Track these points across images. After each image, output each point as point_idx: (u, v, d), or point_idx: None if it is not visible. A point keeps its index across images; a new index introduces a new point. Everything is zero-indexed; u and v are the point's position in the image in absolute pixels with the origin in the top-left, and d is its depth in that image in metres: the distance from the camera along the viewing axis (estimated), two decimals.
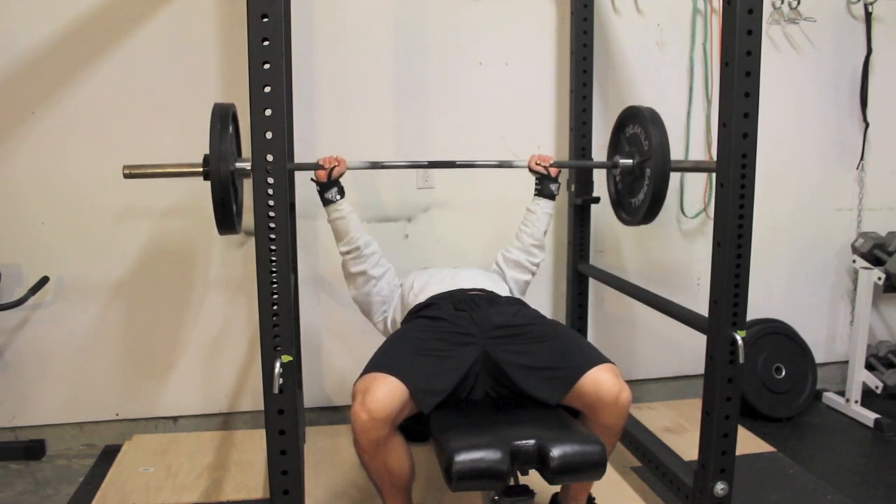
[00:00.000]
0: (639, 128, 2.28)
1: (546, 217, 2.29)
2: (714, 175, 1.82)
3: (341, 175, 2.09)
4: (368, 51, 2.63)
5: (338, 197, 2.08)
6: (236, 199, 1.90)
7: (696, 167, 2.54)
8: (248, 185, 1.88)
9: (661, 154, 2.15)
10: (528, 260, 2.27)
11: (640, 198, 2.27)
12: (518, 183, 2.80)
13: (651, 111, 2.25)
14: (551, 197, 2.30)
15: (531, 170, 2.31)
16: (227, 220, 1.80)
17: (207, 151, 1.76)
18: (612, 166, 2.40)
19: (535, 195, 2.31)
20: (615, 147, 2.44)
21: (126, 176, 1.88)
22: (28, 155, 2.46)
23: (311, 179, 2.11)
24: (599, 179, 2.71)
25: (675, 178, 2.90)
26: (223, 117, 1.79)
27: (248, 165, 1.76)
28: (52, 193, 2.50)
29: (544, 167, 2.28)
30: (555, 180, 2.29)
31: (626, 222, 2.43)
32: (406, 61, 2.67)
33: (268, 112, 1.52)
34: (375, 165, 2.27)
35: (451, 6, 2.67)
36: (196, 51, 2.50)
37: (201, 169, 1.82)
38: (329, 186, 2.08)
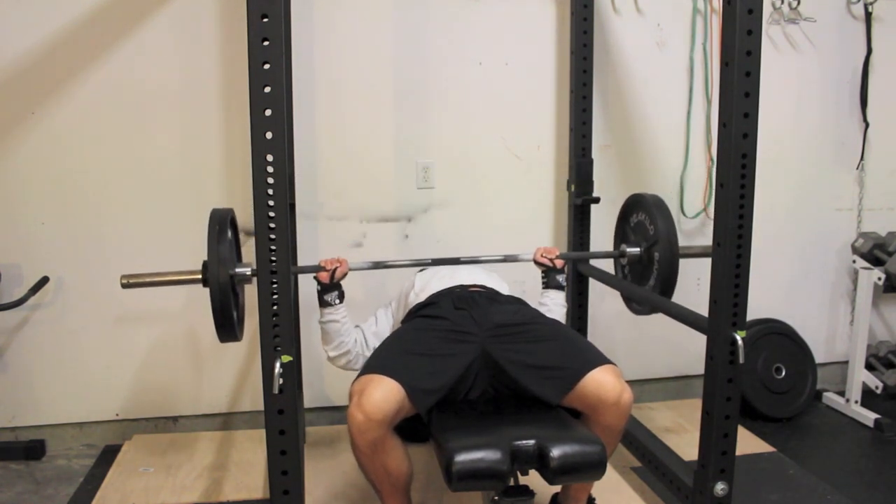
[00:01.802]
0: (643, 215, 2.28)
1: (560, 309, 2.22)
2: (714, 175, 1.82)
3: (343, 276, 2.04)
4: (368, 51, 2.63)
5: (337, 301, 2.03)
6: (237, 305, 1.87)
7: (704, 253, 2.51)
8: (249, 290, 1.88)
9: (667, 237, 2.15)
10: None
11: (651, 284, 2.25)
12: (518, 181, 2.82)
13: (654, 197, 2.26)
14: (560, 288, 2.24)
15: (536, 262, 2.26)
16: (228, 327, 1.77)
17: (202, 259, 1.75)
18: (619, 255, 2.38)
19: (544, 288, 2.26)
20: (621, 237, 2.43)
21: (124, 286, 1.87)
22: (28, 155, 2.46)
23: (314, 277, 2.06)
24: (599, 180, 2.71)
25: (675, 177, 2.92)
26: (221, 222, 1.79)
27: (247, 270, 1.79)
28: (52, 193, 2.50)
29: (550, 259, 2.24)
30: (561, 271, 2.25)
31: (637, 312, 2.39)
32: (406, 61, 2.67)
33: (268, 112, 1.52)
34: (378, 265, 2.22)
35: (451, 6, 2.66)
36: (197, 48, 2.50)
37: (200, 275, 1.81)
38: (331, 289, 2.03)
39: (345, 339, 2.07)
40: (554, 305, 2.21)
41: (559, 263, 2.24)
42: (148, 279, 1.89)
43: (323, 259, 2.07)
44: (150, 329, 2.64)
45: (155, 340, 2.66)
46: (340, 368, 2.14)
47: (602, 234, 2.90)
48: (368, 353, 2.09)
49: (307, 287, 2.26)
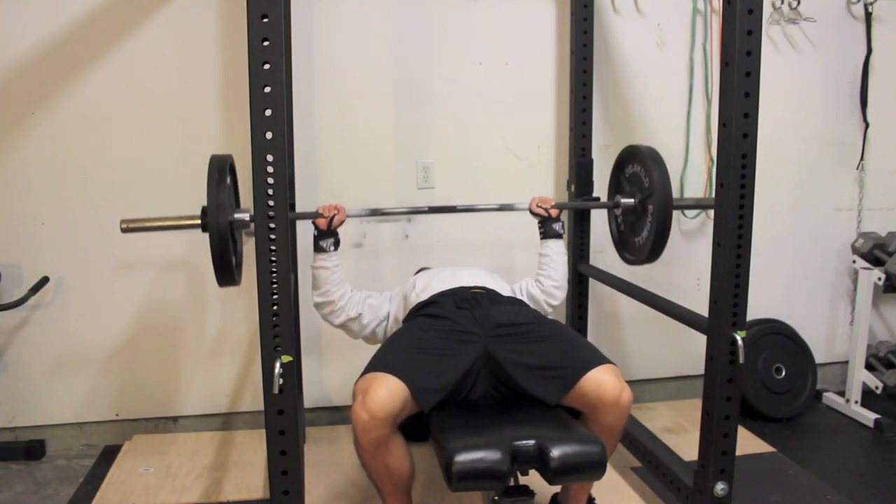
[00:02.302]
0: (638, 166, 2.28)
1: (561, 257, 2.24)
2: (714, 175, 1.82)
3: (341, 224, 2.09)
4: (368, 51, 2.63)
5: (332, 248, 2.07)
6: (235, 251, 1.88)
7: (697, 205, 2.52)
8: (245, 237, 1.88)
9: (662, 190, 2.15)
10: (546, 301, 2.23)
11: (644, 236, 2.26)
12: (519, 183, 2.82)
13: (650, 149, 2.25)
14: (558, 237, 2.26)
15: (532, 212, 2.29)
16: (226, 272, 1.78)
17: (203, 203, 1.75)
18: (613, 206, 2.40)
19: (542, 238, 2.28)
20: (616, 188, 2.44)
21: (123, 230, 1.88)
22: (28, 155, 2.46)
23: (312, 223, 2.09)
24: (599, 180, 2.71)
25: (675, 178, 2.91)
26: (220, 168, 1.79)
27: (246, 216, 1.79)
28: (52, 193, 2.50)
29: (545, 209, 2.26)
30: (557, 220, 2.27)
31: (629, 262, 2.41)
32: (406, 61, 2.67)
33: (268, 112, 1.52)
34: (375, 213, 2.27)
35: (451, 6, 2.67)
36: (198, 48, 2.50)
37: (199, 221, 1.81)
38: (327, 235, 2.07)
39: (331, 289, 2.09)
40: (555, 254, 2.23)
41: (554, 212, 2.27)
42: (147, 224, 1.90)
43: (321, 205, 2.10)
44: (151, 329, 2.64)
45: (155, 340, 2.66)
46: (322, 317, 2.17)
47: (602, 234, 2.91)
48: (353, 314, 2.13)
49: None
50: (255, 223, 1.56)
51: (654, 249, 2.21)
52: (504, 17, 2.71)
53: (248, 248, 1.71)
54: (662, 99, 2.88)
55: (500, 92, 2.75)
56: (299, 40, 2.48)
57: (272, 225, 1.56)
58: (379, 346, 2.24)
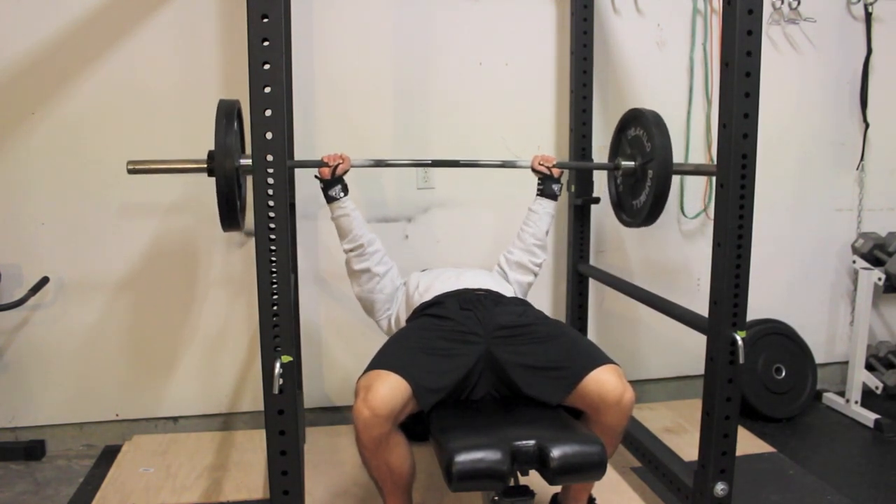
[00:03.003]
0: (641, 130, 2.28)
1: (548, 217, 2.30)
2: (714, 176, 1.82)
3: (345, 172, 2.11)
4: (368, 51, 2.63)
5: (342, 194, 2.09)
6: (240, 196, 1.91)
7: (697, 170, 2.54)
8: (251, 183, 1.88)
9: (663, 156, 2.16)
10: (531, 260, 2.27)
11: (642, 199, 2.27)
12: (519, 183, 2.81)
13: (654, 113, 2.25)
14: (553, 197, 2.31)
15: (534, 170, 2.32)
16: (231, 215, 1.80)
17: (210, 148, 1.75)
18: (613, 168, 2.41)
19: (538, 195, 2.32)
20: (616, 149, 2.44)
21: (130, 171, 1.88)
22: (28, 155, 2.46)
23: (315, 176, 2.11)
24: (599, 180, 2.71)
25: (675, 178, 2.91)
26: (228, 113, 1.79)
27: (251, 161, 1.77)
28: (52, 193, 2.50)
29: (547, 167, 2.29)
30: (557, 181, 2.31)
31: (627, 224, 2.44)
32: (406, 61, 2.67)
33: (268, 112, 1.52)
34: (379, 163, 2.29)
35: (451, 6, 2.67)
36: (198, 48, 2.50)
37: (206, 165, 1.82)
38: (333, 184, 2.09)
39: (358, 233, 2.11)
40: (544, 213, 2.29)
41: (556, 172, 2.30)
42: (153, 166, 1.90)
43: (325, 154, 2.11)
44: (151, 328, 2.64)
45: (155, 340, 2.66)
46: (346, 261, 2.16)
47: (602, 234, 2.91)
48: (377, 271, 2.15)
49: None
50: (256, 225, 1.56)
51: (651, 213, 2.23)
52: (504, 16, 2.71)
53: (251, 196, 1.72)
54: (662, 99, 2.87)
55: (500, 92, 2.75)
56: (299, 40, 2.48)
57: (272, 214, 1.56)
58: (376, 331, 2.26)
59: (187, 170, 1.87)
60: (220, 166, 1.73)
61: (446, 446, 1.54)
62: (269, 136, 1.52)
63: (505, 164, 2.39)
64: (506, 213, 2.80)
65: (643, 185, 2.26)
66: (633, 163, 2.32)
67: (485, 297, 1.98)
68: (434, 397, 1.69)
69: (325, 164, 2.08)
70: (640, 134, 2.29)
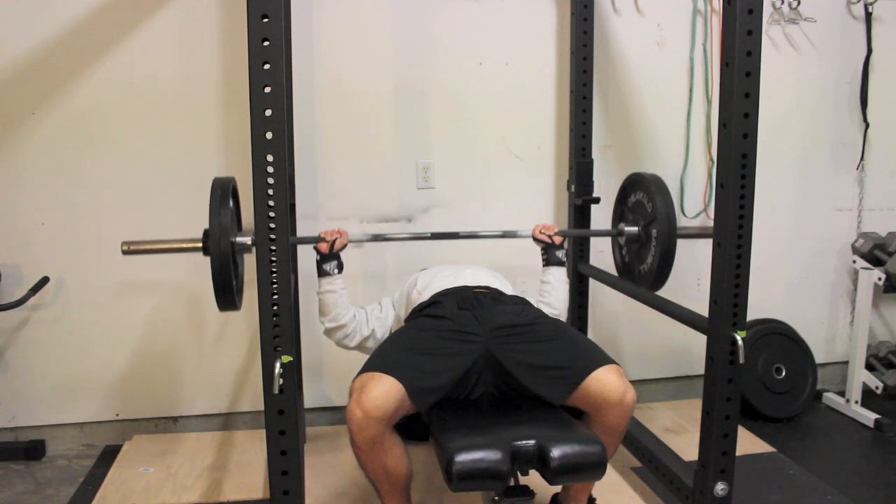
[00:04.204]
0: (642, 193, 2.27)
1: (562, 284, 2.23)
2: (714, 175, 1.82)
3: (343, 247, 2.08)
4: (368, 51, 2.63)
5: (335, 271, 2.06)
6: (237, 275, 1.87)
7: (702, 233, 2.50)
8: (248, 260, 1.88)
9: (666, 214, 2.14)
10: None
11: (649, 261, 2.24)
12: (519, 183, 2.82)
13: (654, 176, 2.25)
14: (561, 264, 2.25)
15: (535, 239, 2.28)
16: (227, 295, 1.77)
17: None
18: (617, 234, 2.38)
19: (544, 265, 2.27)
20: (619, 217, 2.43)
21: (125, 252, 1.87)
22: (28, 155, 2.46)
23: (314, 248, 2.09)
24: (599, 180, 2.71)
25: (675, 178, 2.92)
26: (223, 191, 1.78)
27: (248, 240, 1.77)
28: (52, 193, 2.50)
29: (548, 236, 2.25)
30: (560, 247, 2.25)
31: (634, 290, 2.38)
32: (406, 61, 2.67)
33: (268, 112, 1.52)
34: (377, 238, 2.25)
35: (451, 6, 2.67)
36: (198, 48, 2.50)
37: (201, 244, 1.81)
38: (329, 259, 2.06)
39: (341, 312, 2.08)
40: (556, 282, 2.22)
41: (558, 240, 2.26)
42: (149, 246, 1.89)
43: (323, 230, 2.10)
44: (151, 328, 2.64)
45: (155, 340, 2.66)
46: (336, 343, 2.15)
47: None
48: (367, 333, 2.13)
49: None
50: (256, 226, 1.56)
51: (658, 276, 2.19)
52: (504, 16, 2.71)
53: (250, 270, 1.70)
54: (662, 99, 2.88)
55: (500, 92, 2.75)
56: (299, 40, 2.48)
57: (272, 215, 1.56)
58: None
59: (182, 249, 1.86)
60: (214, 245, 1.71)
61: (446, 446, 1.54)
62: (269, 136, 1.52)
63: (506, 235, 2.30)
64: (506, 212, 2.81)
65: (648, 248, 2.24)
66: (636, 227, 2.29)
67: (483, 296, 1.98)
68: (430, 397, 1.69)
69: (323, 240, 2.05)
70: (641, 198, 2.28)
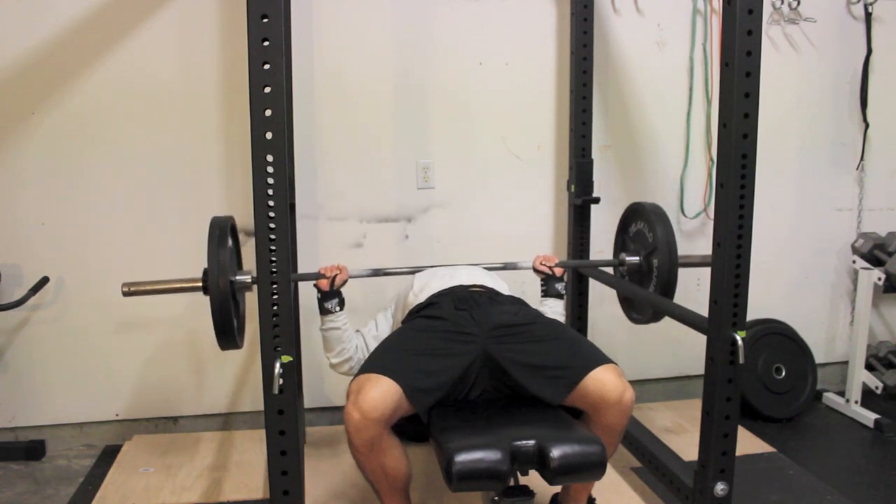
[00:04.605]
0: (643, 223, 2.28)
1: (560, 317, 2.23)
2: (714, 175, 1.82)
3: (343, 284, 2.06)
4: (368, 50, 2.63)
5: (337, 308, 2.05)
6: (237, 313, 1.87)
7: (704, 262, 2.50)
8: (249, 298, 1.87)
9: (667, 244, 2.15)
10: None
11: (651, 291, 2.24)
12: (519, 184, 2.82)
13: (654, 205, 2.25)
14: (559, 296, 2.25)
15: (536, 270, 2.27)
16: (228, 334, 1.77)
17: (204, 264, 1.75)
18: (618, 264, 2.38)
19: (543, 296, 2.26)
20: (620, 247, 2.43)
21: (125, 294, 1.87)
22: (28, 155, 2.46)
23: (314, 285, 2.07)
24: (599, 180, 2.71)
25: (674, 178, 2.92)
26: (221, 230, 1.79)
27: (248, 278, 1.78)
28: (52, 193, 2.50)
29: (549, 267, 2.24)
30: (560, 279, 2.25)
31: (636, 321, 2.39)
32: (406, 61, 2.67)
33: (268, 112, 1.52)
34: (377, 273, 2.22)
35: (451, 6, 2.67)
36: (197, 51, 2.50)
37: (200, 283, 1.81)
38: (330, 297, 2.04)
39: (346, 346, 2.08)
40: (553, 314, 2.20)
41: (558, 272, 2.25)
42: (149, 287, 1.90)
43: (322, 266, 2.08)
44: (151, 329, 2.64)
45: (155, 340, 2.66)
46: (343, 375, 2.13)
47: (602, 234, 2.90)
48: (362, 355, 2.11)
49: (307, 297, 2.25)
50: (256, 226, 1.56)
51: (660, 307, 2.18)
52: (504, 16, 2.71)
53: (251, 307, 1.70)
54: (662, 99, 2.88)
55: (500, 92, 2.75)
56: (299, 40, 2.48)
57: (272, 225, 1.56)
58: None
59: (182, 289, 1.87)
60: (213, 284, 1.72)
61: (446, 446, 1.54)
62: (269, 136, 1.53)
63: (506, 267, 2.28)
64: (506, 212, 2.81)
65: (650, 279, 2.25)
66: (637, 257, 2.29)
67: (480, 295, 1.98)
68: (428, 398, 1.69)
69: (324, 276, 2.03)
70: (642, 227, 2.29)
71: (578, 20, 2.60)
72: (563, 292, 2.25)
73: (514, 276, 2.45)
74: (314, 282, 2.05)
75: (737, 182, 1.72)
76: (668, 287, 2.15)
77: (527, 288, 2.55)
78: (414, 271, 2.26)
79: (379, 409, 1.59)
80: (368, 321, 2.24)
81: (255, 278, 1.61)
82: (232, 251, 1.82)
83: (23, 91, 2.43)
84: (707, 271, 1.84)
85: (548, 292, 2.25)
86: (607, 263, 2.47)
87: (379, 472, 1.71)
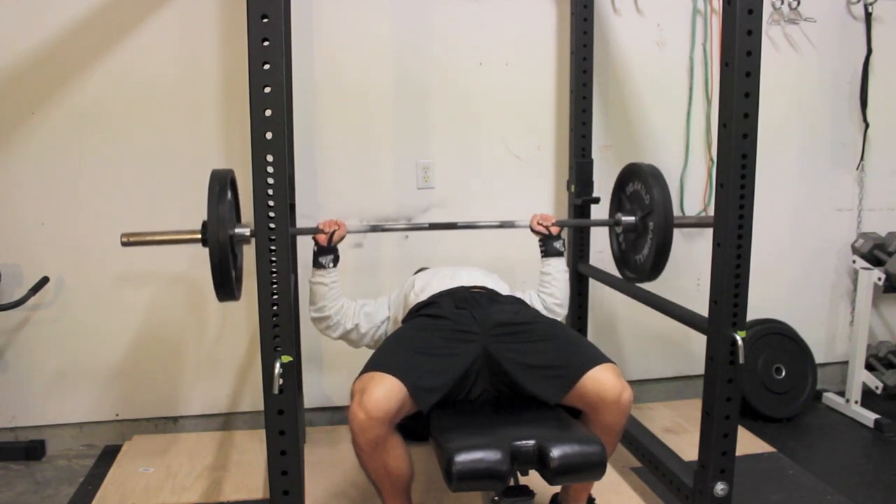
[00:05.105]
0: (639, 184, 2.27)
1: (563, 275, 2.23)
2: (714, 175, 1.82)
3: (341, 239, 2.09)
4: (368, 50, 2.63)
5: (331, 265, 2.07)
6: (235, 265, 1.88)
7: (700, 223, 2.50)
8: (247, 251, 1.88)
9: (663, 207, 2.14)
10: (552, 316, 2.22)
11: (645, 253, 2.24)
12: (519, 184, 2.82)
13: (651, 167, 2.25)
14: (559, 254, 2.25)
15: (533, 230, 2.28)
16: (226, 286, 1.77)
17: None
18: (614, 224, 2.38)
19: (543, 256, 2.27)
20: (617, 206, 2.43)
21: (124, 244, 1.87)
22: (28, 155, 2.46)
23: (313, 238, 2.09)
24: (599, 180, 2.71)
25: (674, 178, 2.92)
26: (222, 183, 1.79)
27: (246, 231, 1.77)
28: (52, 193, 2.50)
29: (546, 227, 2.25)
30: (557, 238, 2.26)
31: (630, 280, 2.39)
32: (406, 62, 2.67)
33: (268, 112, 1.51)
34: (376, 228, 2.25)
35: (451, 6, 2.67)
36: (197, 51, 2.50)
37: (199, 235, 1.81)
38: (327, 252, 2.06)
39: (328, 304, 2.10)
40: (557, 272, 2.22)
41: (555, 230, 2.26)
42: (148, 237, 1.89)
43: (322, 221, 2.10)
44: (151, 329, 2.64)
45: (155, 340, 2.66)
46: (319, 331, 2.17)
47: (602, 234, 2.90)
48: (349, 326, 2.14)
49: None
50: (256, 226, 1.56)
51: (654, 267, 2.19)
52: (504, 16, 2.71)
53: (249, 261, 1.70)
54: (662, 99, 2.88)
55: (500, 92, 2.75)
56: (299, 40, 2.48)
57: (272, 215, 1.56)
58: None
59: (181, 241, 1.86)
60: (213, 236, 1.72)
61: (446, 446, 1.54)
62: (269, 136, 1.52)
63: (503, 225, 2.31)
64: (506, 213, 2.80)
65: (645, 239, 2.24)
66: (633, 217, 2.29)
67: (480, 296, 1.98)
68: (432, 397, 1.69)
69: (322, 231, 2.06)
70: (638, 188, 2.28)
71: (578, 20, 2.60)
72: (563, 250, 2.27)
73: (514, 276, 2.46)
74: (312, 236, 2.08)
75: (737, 182, 1.72)
76: (663, 250, 2.15)
77: (527, 288, 2.55)
78: (411, 229, 2.32)
79: (384, 408, 1.59)
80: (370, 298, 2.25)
81: (253, 231, 1.60)
82: (231, 204, 1.82)
83: (23, 91, 2.43)
84: (707, 271, 1.84)
85: (547, 252, 2.26)
86: (603, 223, 2.48)
87: (382, 472, 1.71)
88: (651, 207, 2.18)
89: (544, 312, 2.19)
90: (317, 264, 2.07)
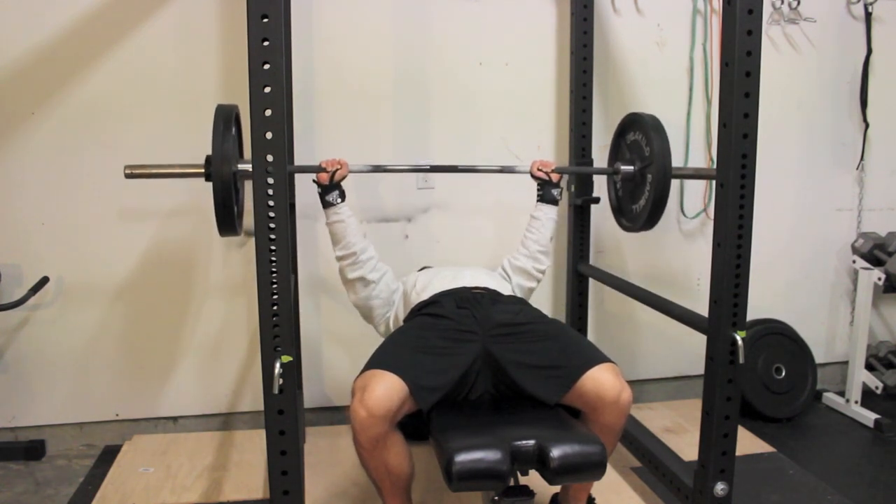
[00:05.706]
0: (640, 134, 2.28)
1: (551, 223, 2.29)
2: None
3: (343, 178, 2.10)
4: (368, 51, 2.63)
5: (339, 200, 2.08)
6: (237, 201, 1.91)
7: (697, 174, 2.53)
8: (249, 187, 1.88)
9: (662, 160, 2.15)
10: (535, 267, 2.27)
11: (641, 204, 2.26)
12: (518, 184, 2.81)
13: (652, 117, 2.25)
14: (554, 202, 2.30)
15: (533, 175, 2.31)
16: (228, 221, 1.79)
17: (209, 152, 1.75)
18: (612, 172, 2.40)
19: (538, 201, 2.31)
20: (616, 153, 2.44)
21: (127, 176, 1.87)
22: (28, 155, 2.46)
23: (313, 181, 2.11)
24: (599, 180, 2.71)
25: (675, 179, 2.91)
26: (226, 119, 1.79)
27: (250, 167, 1.76)
28: (52, 193, 2.50)
29: (546, 173, 2.28)
30: (556, 185, 2.30)
31: (626, 229, 2.43)
32: (406, 62, 2.67)
33: (268, 112, 1.51)
34: (378, 169, 2.27)
35: (451, 6, 2.67)
36: (198, 49, 2.50)
37: (203, 170, 1.81)
38: (330, 189, 2.08)
39: (351, 240, 2.10)
40: (546, 219, 2.27)
41: (555, 177, 2.30)
42: (151, 170, 1.89)
43: (323, 160, 2.10)
44: (151, 328, 2.64)
45: (155, 340, 2.66)
46: (339, 269, 2.15)
47: (603, 234, 2.91)
48: (370, 277, 2.14)
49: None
50: (256, 226, 1.56)
51: (650, 217, 2.23)
52: (504, 16, 2.71)
53: (249, 201, 1.72)
54: (662, 99, 2.88)
55: (500, 92, 2.75)
56: (299, 40, 2.48)
57: (272, 215, 1.56)
58: (375, 332, 2.26)
59: (185, 174, 1.87)
60: (217, 171, 1.72)
61: (446, 446, 1.54)
62: (269, 136, 1.52)
63: (504, 170, 2.36)
64: (506, 212, 2.81)
65: (642, 190, 2.26)
66: (632, 167, 2.31)
67: (482, 296, 1.98)
68: (433, 396, 1.69)
69: (324, 170, 2.07)
70: (638, 138, 2.29)
71: (578, 20, 2.60)
72: (559, 198, 2.30)
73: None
74: (314, 177, 2.08)
75: (737, 182, 1.72)
76: (659, 202, 2.17)
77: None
78: (413, 170, 2.37)
79: (385, 406, 1.59)
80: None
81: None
82: (235, 140, 1.82)
83: (23, 91, 2.43)
84: (707, 271, 1.84)
85: (543, 197, 2.30)
86: (602, 171, 2.50)
87: (382, 470, 1.71)
88: (651, 159, 2.19)
89: (529, 265, 2.25)
90: (326, 204, 2.08)
